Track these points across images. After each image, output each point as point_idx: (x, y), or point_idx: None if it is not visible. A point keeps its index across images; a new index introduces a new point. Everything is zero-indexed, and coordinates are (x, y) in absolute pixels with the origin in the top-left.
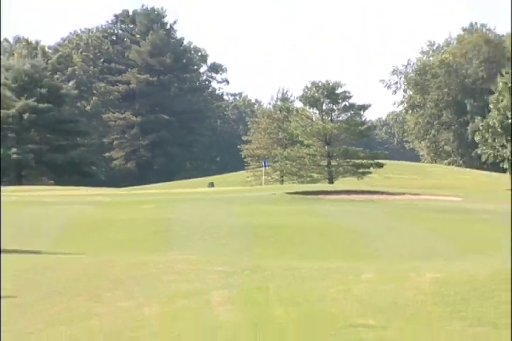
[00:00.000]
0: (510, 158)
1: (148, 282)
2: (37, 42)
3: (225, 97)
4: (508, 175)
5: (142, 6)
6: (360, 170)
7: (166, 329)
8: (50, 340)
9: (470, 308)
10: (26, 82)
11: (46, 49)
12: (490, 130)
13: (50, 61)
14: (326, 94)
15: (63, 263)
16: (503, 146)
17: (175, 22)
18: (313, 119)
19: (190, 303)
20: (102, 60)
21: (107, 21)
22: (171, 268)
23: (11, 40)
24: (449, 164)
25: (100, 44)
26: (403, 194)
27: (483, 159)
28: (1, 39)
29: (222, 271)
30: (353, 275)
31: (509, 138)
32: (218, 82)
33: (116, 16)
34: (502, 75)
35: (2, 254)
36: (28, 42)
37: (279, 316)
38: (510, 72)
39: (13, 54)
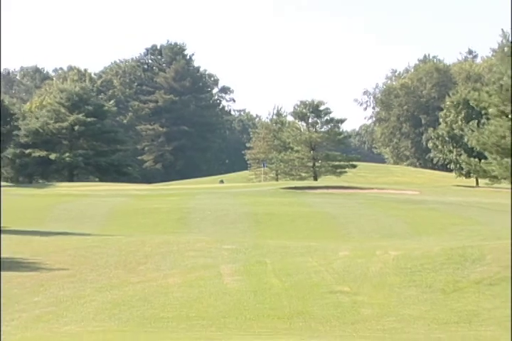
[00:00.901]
0: (455, 160)
1: (172, 257)
2: (85, 70)
3: (232, 113)
4: (453, 174)
5: (167, 41)
6: (338, 170)
7: (185, 295)
8: (96, 303)
9: (423, 278)
10: (77, 101)
11: (92, 75)
12: (440, 138)
13: (95, 84)
14: (312, 110)
15: (106, 242)
16: (450, 151)
17: (193, 54)
18: (302, 130)
19: (204, 274)
20: (135, 83)
21: (140, 53)
22: (190, 246)
23: (65, 68)
24: (408, 165)
25: (134, 71)
26: (372, 188)
27: (434, 161)
28: (55, 68)
29: (230, 249)
30: (333, 252)
31: (455, 145)
32: (227, 101)
33: (147, 49)
34: (449, 96)
35: (59, 236)
36: (78, 70)
37: (274, 284)
38: (456, 92)
39: (67, 79)
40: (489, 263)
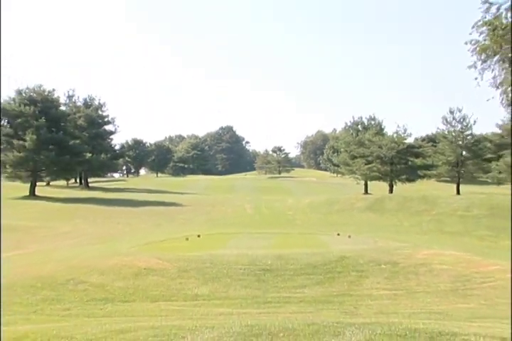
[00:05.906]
0: (330, 167)
1: (227, 202)
2: (197, 135)
3: (250, 150)
4: (329, 173)
5: (227, 124)
6: (288, 171)
7: (233, 216)
8: (201, 219)
9: (318, 209)
10: (193, 146)
11: (200, 137)
12: (325, 159)
13: (200, 140)
14: (278, 149)
15: (203, 197)
16: (328, 164)
17: (236, 129)
18: (274, 156)
19: (239, 209)
20: (215, 140)
21: (217, 129)
22: (233, 199)
23: (192, 134)
24: (314, 169)
25: (214, 135)
26: (300, 177)
27: (323, 168)
28: (188, 134)
29: (248, 199)
30: (286, 201)
31: (329, 162)
32: (248, 146)
33: (219, 128)
34: (327, 144)
35: (187, 194)
36: (196, 136)
37: (265, 212)
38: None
39: (191, 138)
40: (341, 203)
